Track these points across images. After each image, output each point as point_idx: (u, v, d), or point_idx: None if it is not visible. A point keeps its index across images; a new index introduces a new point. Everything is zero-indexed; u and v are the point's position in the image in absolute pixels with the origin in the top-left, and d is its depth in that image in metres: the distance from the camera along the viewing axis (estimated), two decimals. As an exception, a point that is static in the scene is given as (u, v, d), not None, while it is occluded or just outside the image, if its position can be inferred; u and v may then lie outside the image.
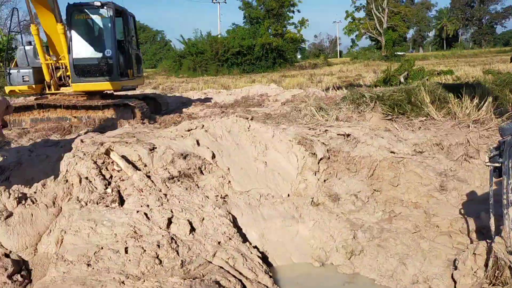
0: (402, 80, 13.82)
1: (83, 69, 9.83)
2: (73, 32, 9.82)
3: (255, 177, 5.27)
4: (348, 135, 5.94)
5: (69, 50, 9.71)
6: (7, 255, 3.80)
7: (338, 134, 5.97)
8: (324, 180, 5.34)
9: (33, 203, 4.38)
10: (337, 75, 25.66)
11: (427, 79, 12.25)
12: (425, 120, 6.60)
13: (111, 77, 9.84)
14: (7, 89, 10.19)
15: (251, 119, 6.27)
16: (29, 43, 10.51)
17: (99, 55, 9.92)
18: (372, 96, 7.18)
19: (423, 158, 5.38)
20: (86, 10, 9.89)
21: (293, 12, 47.93)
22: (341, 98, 7.86)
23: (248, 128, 5.81)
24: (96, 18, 9.97)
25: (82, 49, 9.92)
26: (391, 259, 4.10)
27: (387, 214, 4.79)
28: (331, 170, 5.45)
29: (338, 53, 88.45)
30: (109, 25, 9.89)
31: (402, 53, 47.46)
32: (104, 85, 9.90)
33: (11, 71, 10.08)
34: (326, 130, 6.15)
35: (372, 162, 5.36)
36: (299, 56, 59.05)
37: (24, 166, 5.02)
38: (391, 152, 5.49)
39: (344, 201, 5.04)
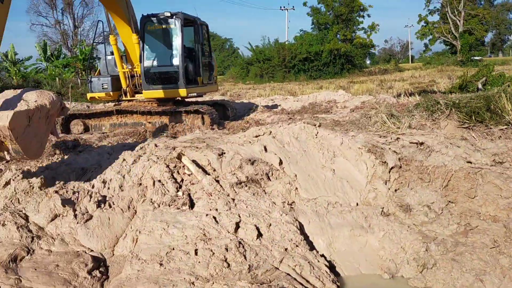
0: (480, 86, 13.04)
1: (152, 77, 10.33)
2: (145, 41, 10.34)
3: (322, 185, 5.21)
4: (421, 144, 5.70)
5: (141, 59, 10.23)
6: (87, 253, 4.05)
7: (410, 143, 5.75)
8: (395, 190, 5.17)
9: (110, 207, 4.64)
10: (408, 81, 24.77)
11: (508, 86, 11.48)
12: (505, 128, 6.17)
13: (177, 84, 10.16)
14: (89, 95, 10.92)
15: (319, 126, 6.22)
16: (111, 53, 11.17)
17: (167, 63, 10.33)
18: (447, 103, 6.83)
19: (503, 169, 5.03)
20: (157, 21, 10.38)
21: (363, 17, 47.11)
22: (413, 105, 7.55)
23: (316, 135, 5.77)
24: (166, 28, 10.38)
25: (152, 58, 10.45)
26: (467, 275, 3.87)
27: (463, 227, 4.53)
28: (403, 180, 5.25)
29: (410, 58, 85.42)
30: (177, 34, 10.21)
31: (479, 58, 44.80)
32: (171, 93, 10.28)
33: (93, 79, 10.79)
34: (397, 138, 5.94)
35: (447, 172, 5.10)
36: (368, 62, 57.76)
37: (104, 168, 5.33)
38: (468, 162, 5.19)
39: (416, 212, 4.84)
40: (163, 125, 9.81)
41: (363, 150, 5.46)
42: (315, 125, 6.14)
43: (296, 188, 5.13)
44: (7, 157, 4.92)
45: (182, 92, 10.16)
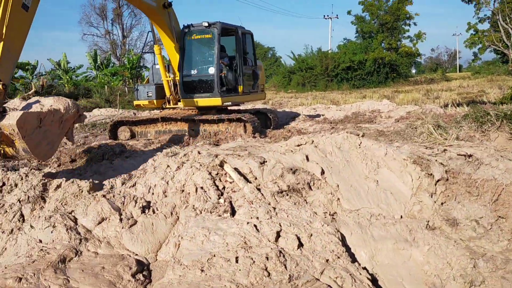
0: (533, 96, 12.46)
1: (189, 86, 10.59)
2: (184, 51, 10.61)
3: (365, 196, 5.12)
4: (470, 156, 5.49)
5: (179, 68, 10.50)
6: (131, 256, 4.16)
7: (458, 155, 5.56)
8: (442, 203, 5.00)
9: (154, 212, 4.76)
10: (456, 90, 23.99)
11: None
12: (562, 141, 5.86)
13: (213, 93, 10.32)
14: (135, 103, 11.32)
15: (362, 136, 6.12)
16: None
17: (203, 72, 10.52)
18: (498, 114, 6.56)
19: (560, 185, 4.77)
20: (196, 31, 10.65)
21: (409, 25, 46.09)
22: (462, 116, 7.30)
23: (359, 145, 5.68)
24: (203, 37, 10.63)
25: (190, 67, 10.71)
26: (519, 295, 3.68)
27: (515, 244, 4.32)
28: (450, 193, 5.07)
29: (458, 67, 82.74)
30: (214, 44, 10.36)
31: (533, 67, 42.82)
32: (207, 101, 10.45)
33: (139, 87, 11.18)
34: (444, 150, 5.76)
35: (497, 186, 4.89)
36: (413, 71, 56.41)
37: (148, 174, 5.47)
38: (521, 176, 4.95)
39: (464, 226, 4.66)
40: (206, 132, 9.97)
41: (408, 161, 5.33)
42: (358, 135, 6.05)
43: (338, 199, 5.06)
44: (18, 156, 5.21)
45: (217, 101, 10.28)
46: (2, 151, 5.18)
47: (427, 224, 4.69)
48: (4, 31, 6.11)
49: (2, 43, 6.12)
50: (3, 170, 5.65)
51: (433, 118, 7.64)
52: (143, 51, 13.40)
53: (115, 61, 47.12)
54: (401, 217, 4.90)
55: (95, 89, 28.97)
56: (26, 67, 29.61)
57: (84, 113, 15.81)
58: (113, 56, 47.89)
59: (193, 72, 10.62)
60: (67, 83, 35.83)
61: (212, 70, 10.30)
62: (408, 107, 13.61)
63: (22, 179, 5.31)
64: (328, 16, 58.50)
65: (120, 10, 53.48)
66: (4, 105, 5.55)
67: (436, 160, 5.39)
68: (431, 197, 5.05)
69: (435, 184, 5.12)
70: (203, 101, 10.45)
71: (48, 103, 5.63)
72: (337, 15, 59.40)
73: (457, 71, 76.83)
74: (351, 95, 25.36)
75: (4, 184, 5.29)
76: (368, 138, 6.03)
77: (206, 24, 10.37)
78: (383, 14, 44.88)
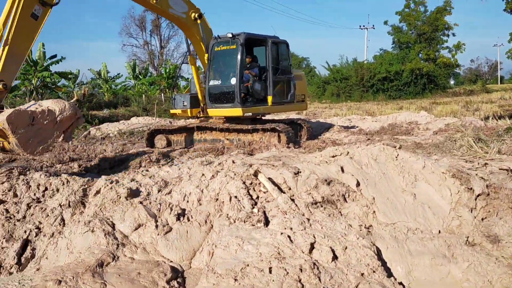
0: None
1: (214, 96, 10.85)
2: (211, 62, 10.81)
3: (402, 209, 5.01)
4: (513, 171, 5.31)
5: (206, 78, 10.72)
6: (166, 263, 4.22)
7: (500, 169, 5.37)
8: (482, 219, 4.83)
9: (189, 220, 4.81)
10: (497, 103, 23.23)
11: None
12: None
13: (234, 103, 10.45)
14: (171, 111, 11.65)
15: (399, 148, 6.02)
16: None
17: (226, 83, 10.71)
18: (543, 127, 6.33)
19: None
20: (222, 42, 10.83)
21: (447, 36, 44.94)
22: (504, 129, 7.09)
23: (396, 157, 5.58)
24: (228, 48, 10.74)
25: (215, 77, 10.97)
26: None
27: (562, 264, 4.12)
28: (491, 208, 4.90)
29: (499, 78, 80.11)
30: (237, 55, 10.43)
31: None
32: (229, 111, 10.62)
33: (176, 96, 11.49)
34: (485, 164, 5.59)
35: (542, 203, 4.69)
36: (452, 82, 55.08)
37: (184, 182, 5.55)
38: None
39: (506, 243, 4.48)
40: (240, 142, 10.04)
41: (447, 175, 5.19)
42: (395, 147, 5.95)
43: (374, 212, 4.97)
44: (14, 150, 5.75)
45: (238, 111, 10.40)
46: (1, 145, 5.80)
47: (467, 240, 4.54)
48: (10, 37, 6.83)
49: (7, 47, 6.85)
50: (46, 175, 5.86)
51: (473, 131, 7.44)
52: (183, 61, 13.80)
53: (152, 70, 48.35)
54: (439, 232, 4.77)
55: (133, 98, 29.74)
56: (69, 76, 30.71)
57: (122, 121, 16.64)
58: (151, 66, 49.16)
59: (218, 82, 10.90)
60: (107, 92, 36.94)
61: (233, 81, 10.44)
62: (447, 119, 13.29)
63: (63, 184, 5.50)
64: (364, 26, 58.14)
65: (158, 22, 54.89)
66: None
67: (476, 174, 5.23)
68: (471, 212, 4.90)
69: (475, 199, 4.96)
70: (226, 111, 10.67)
71: (45, 104, 6.16)
72: (373, 26, 58.79)
73: (498, 82, 74.40)
74: (387, 106, 24.97)
75: (46, 189, 5.48)
76: (405, 150, 5.92)
77: (230, 35, 10.48)
78: (421, 25, 44.02)
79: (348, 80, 40.64)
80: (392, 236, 4.62)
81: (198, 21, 10.52)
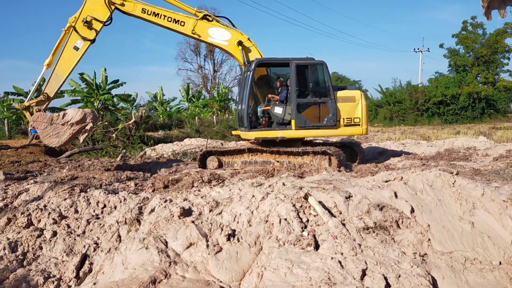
0: None
1: (238, 119, 11.78)
2: (239, 87, 11.35)
3: (459, 238, 4.80)
4: None
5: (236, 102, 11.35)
6: (216, 283, 4.27)
7: None
8: (548, 251, 4.53)
9: (239, 241, 4.86)
10: None
11: None
12: None
13: (245, 127, 10.87)
14: (234, 132, 12.29)
15: (457, 174, 5.81)
16: None
17: (241, 107, 11.34)
18: None
19: None
20: (243, 68, 11.32)
21: (508, 58, 42.99)
22: None
23: (453, 184, 5.39)
24: (247, 74, 11.05)
25: (237, 102, 11.87)
26: None
27: None
28: (558, 241, 4.59)
29: None
30: (249, 79, 10.78)
31: None
32: (243, 135, 11.21)
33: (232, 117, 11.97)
34: (551, 193, 5.27)
35: None
36: (513, 106, 52.40)
37: (234, 203, 5.63)
38: None
39: None
40: (290, 164, 10.05)
41: (508, 203, 4.94)
42: (452, 172, 5.75)
43: (429, 239, 4.80)
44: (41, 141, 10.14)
45: (245, 135, 10.99)
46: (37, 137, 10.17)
47: (531, 273, 4.27)
48: (58, 62, 10.12)
49: (54, 69, 10.18)
50: (105, 193, 6.14)
51: (538, 157, 7.03)
52: (231, 85, 14.59)
53: (205, 93, 49.61)
54: (500, 263, 4.52)
55: (187, 120, 30.58)
56: (128, 99, 32.18)
57: (176, 142, 17.76)
58: (204, 89, 50.49)
59: (238, 106, 11.76)
60: (162, 114, 38.27)
61: (243, 106, 10.98)
62: (508, 145, 12.64)
63: (120, 202, 5.74)
64: (418, 49, 56.93)
65: (212, 47, 56.56)
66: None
67: (541, 204, 4.94)
68: (536, 244, 4.61)
69: (541, 230, 4.67)
70: (242, 134, 11.35)
71: (68, 112, 10.07)
72: (428, 48, 57.45)
73: None
74: (443, 131, 24.14)
75: (105, 206, 5.75)
76: (463, 177, 5.70)
77: (247, 62, 10.98)
78: (479, 47, 42.50)
79: (401, 104, 39.80)
80: (448, 266, 4.43)
81: (240, 47, 10.92)
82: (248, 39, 11.01)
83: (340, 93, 10.97)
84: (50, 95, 10.32)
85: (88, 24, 10.22)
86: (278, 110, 10.91)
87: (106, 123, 20.17)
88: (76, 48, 10.28)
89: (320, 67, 11.04)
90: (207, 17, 10.88)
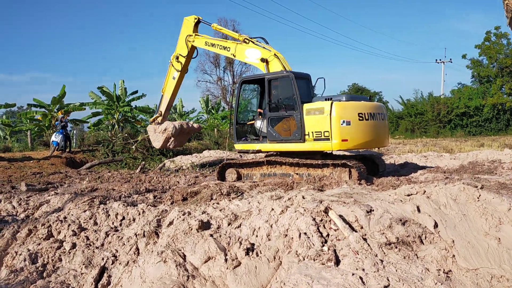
0: None
1: None
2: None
3: (485, 254, 4.63)
4: None
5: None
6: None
7: None
8: None
9: (258, 255, 4.79)
10: None
11: None
12: None
13: (234, 140, 11.73)
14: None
15: (482, 188, 5.63)
16: None
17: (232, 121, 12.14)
18: None
19: None
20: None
21: (533, 68, 42.09)
22: None
23: (478, 198, 5.22)
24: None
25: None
26: None
27: None
28: None
29: None
30: (235, 95, 11.78)
31: None
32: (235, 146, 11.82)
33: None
34: None
35: None
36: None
37: (253, 216, 5.57)
38: None
39: None
40: (310, 177, 9.94)
41: (537, 219, 4.75)
42: (476, 186, 5.58)
43: (454, 256, 4.64)
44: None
45: (236, 146, 11.88)
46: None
47: (563, 293, 4.08)
48: (165, 88, 14.43)
49: (164, 94, 14.55)
50: (123, 205, 6.17)
51: None
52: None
53: (225, 105, 49.89)
54: (529, 281, 4.34)
55: (206, 131, 30.74)
56: (148, 111, 32.56)
57: (195, 154, 19.23)
58: (223, 101, 50.79)
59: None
60: (182, 125, 38.43)
61: (233, 120, 11.97)
62: (535, 158, 12.28)
63: (139, 214, 5.74)
64: (440, 60, 56.29)
65: (231, 59, 56.99)
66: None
67: None
68: None
69: None
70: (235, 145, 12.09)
71: (164, 124, 14.66)
72: (450, 59, 56.72)
73: None
74: (467, 143, 23.66)
75: (124, 218, 5.76)
76: (488, 191, 5.53)
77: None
78: (503, 58, 41.74)
79: (423, 115, 39.31)
80: (474, 283, 4.27)
81: (264, 63, 11.46)
82: (275, 54, 11.36)
83: (307, 106, 10.29)
84: (163, 112, 14.98)
85: (178, 59, 13.77)
86: (258, 124, 11.48)
87: (126, 135, 20.41)
88: (174, 78, 14.13)
89: (287, 79, 10.63)
90: (245, 40, 12.05)
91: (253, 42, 11.95)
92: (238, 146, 11.57)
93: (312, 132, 10.12)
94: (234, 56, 12.42)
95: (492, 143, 22.36)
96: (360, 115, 9.96)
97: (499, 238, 4.75)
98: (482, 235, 4.83)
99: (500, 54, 42.09)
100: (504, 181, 8.33)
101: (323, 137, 9.99)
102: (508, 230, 4.82)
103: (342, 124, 9.71)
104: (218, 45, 12.89)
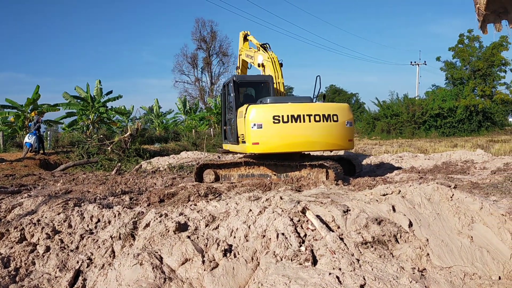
0: None
1: None
2: None
3: (458, 253, 4.73)
4: None
5: None
6: (212, 298, 4.18)
7: None
8: (549, 266, 4.47)
9: (235, 256, 4.78)
10: (561, 141, 21.87)
11: None
12: None
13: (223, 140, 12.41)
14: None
15: (455, 187, 5.76)
16: None
17: None
18: None
19: None
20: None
21: (504, 71, 43.25)
22: None
23: (451, 197, 5.34)
24: None
25: None
26: None
27: None
28: (559, 255, 4.53)
29: (562, 115, 75.76)
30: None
31: None
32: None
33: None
34: (550, 206, 5.22)
35: None
36: (510, 119, 52.67)
37: (231, 217, 5.55)
38: None
39: None
40: (288, 178, 9.98)
41: (507, 217, 4.89)
42: (450, 186, 5.71)
43: (428, 254, 4.73)
44: None
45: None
46: None
47: (532, 289, 4.20)
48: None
49: None
50: (99, 207, 6.06)
51: (536, 170, 7.00)
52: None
53: (202, 106, 49.64)
54: (499, 278, 4.45)
55: (183, 133, 30.50)
56: (123, 112, 32.15)
57: (172, 155, 17.93)
58: (201, 102, 50.54)
59: None
60: (158, 126, 38.19)
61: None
62: (506, 158, 12.61)
63: (115, 216, 5.66)
64: (415, 62, 57.34)
65: (209, 59, 56.82)
66: None
67: (541, 218, 4.89)
68: (536, 258, 4.55)
69: (541, 244, 4.61)
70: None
71: None
72: (425, 62, 57.93)
73: (562, 119, 70.27)
74: (441, 144, 24.16)
75: (99, 220, 5.66)
76: (461, 190, 5.65)
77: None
78: (476, 60, 42.79)
79: (398, 117, 39.91)
80: (447, 281, 4.36)
81: (260, 68, 12.28)
82: (268, 58, 12.09)
83: (239, 110, 10.68)
84: None
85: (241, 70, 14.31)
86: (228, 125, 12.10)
87: (101, 136, 20.10)
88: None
89: (230, 84, 11.41)
90: (260, 46, 12.67)
91: (263, 48, 12.57)
92: (223, 146, 12.33)
93: (241, 135, 10.49)
94: (254, 63, 12.98)
95: (465, 144, 22.88)
96: (276, 118, 9.78)
97: (472, 237, 4.85)
98: (455, 234, 4.93)
99: (473, 57, 43.15)
100: (477, 181, 8.53)
101: (244, 139, 10.30)
102: (480, 229, 4.93)
103: (253, 128, 9.78)
104: (249, 55, 13.32)
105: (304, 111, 9.91)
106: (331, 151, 11.92)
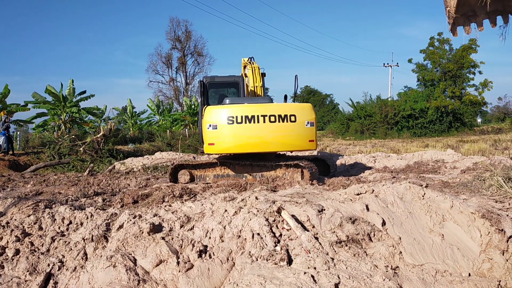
0: None
1: None
2: None
3: (430, 250, 4.84)
4: (547, 212, 5.09)
5: None
6: (187, 299, 4.14)
7: (533, 210, 5.17)
8: (515, 262, 4.60)
9: (211, 257, 4.75)
10: (527, 141, 22.64)
11: None
12: None
13: None
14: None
15: (426, 186, 5.89)
16: None
17: None
18: None
19: None
20: None
21: (473, 73, 44.51)
22: (535, 168, 6.85)
23: (423, 196, 5.45)
24: None
25: None
26: None
27: None
28: (525, 251, 4.68)
29: (528, 116, 78.38)
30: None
31: None
32: None
33: None
34: (517, 204, 5.38)
35: None
36: (479, 120, 54.25)
37: (206, 218, 5.52)
38: None
39: (542, 290, 4.25)
40: (263, 178, 9.99)
41: (476, 215, 5.02)
42: (421, 185, 5.83)
43: (400, 252, 4.82)
44: None
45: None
46: None
47: (499, 284, 4.33)
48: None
49: None
50: (70, 209, 5.94)
51: (503, 170, 7.21)
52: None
53: (177, 106, 49.22)
54: (469, 275, 4.57)
55: (158, 133, 30.19)
56: (95, 112, 31.57)
57: (147, 156, 17.44)
58: (176, 102, 50.12)
59: None
60: (132, 127, 37.67)
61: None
62: (475, 158, 12.96)
63: (87, 218, 5.54)
64: (388, 64, 58.37)
65: (184, 59, 56.43)
66: None
67: (507, 215, 5.04)
68: (503, 254, 4.69)
69: (507, 241, 4.75)
70: None
71: None
72: (397, 63, 59.00)
73: (528, 120, 72.75)
74: (413, 144, 24.66)
75: (71, 222, 5.54)
76: (432, 189, 5.78)
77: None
78: (446, 62, 43.89)
79: (372, 117, 40.57)
80: (419, 278, 4.44)
81: (245, 77, 12.69)
82: (249, 67, 12.39)
83: (204, 111, 10.74)
84: None
85: None
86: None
87: (73, 136, 19.69)
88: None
89: (201, 85, 11.47)
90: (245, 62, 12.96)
91: (249, 62, 12.74)
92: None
93: (202, 136, 10.62)
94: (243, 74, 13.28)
95: (436, 144, 23.42)
96: (230, 118, 9.76)
97: (443, 235, 4.97)
98: (427, 232, 5.04)
99: (443, 59, 44.24)
100: (447, 180, 8.74)
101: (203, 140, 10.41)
102: (451, 227, 5.05)
103: (208, 128, 9.87)
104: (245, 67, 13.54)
105: (259, 112, 9.86)
106: (291, 152, 11.84)
